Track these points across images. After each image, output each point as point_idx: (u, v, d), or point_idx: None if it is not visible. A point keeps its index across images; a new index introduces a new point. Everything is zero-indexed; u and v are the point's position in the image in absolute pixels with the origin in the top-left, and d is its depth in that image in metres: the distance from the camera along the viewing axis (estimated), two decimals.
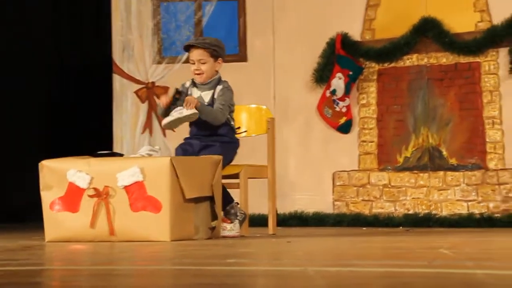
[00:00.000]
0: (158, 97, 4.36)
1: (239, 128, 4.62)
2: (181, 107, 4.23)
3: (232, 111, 4.39)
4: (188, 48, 4.37)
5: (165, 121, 4.26)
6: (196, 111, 4.19)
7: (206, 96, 4.35)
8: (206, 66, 4.32)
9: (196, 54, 4.32)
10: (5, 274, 2.45)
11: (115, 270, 2.63)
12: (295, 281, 2.16)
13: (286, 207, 5.95)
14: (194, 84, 4.40)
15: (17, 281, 2.26)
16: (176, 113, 4.22)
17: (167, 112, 4.29)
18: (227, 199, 4.33)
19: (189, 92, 4.39)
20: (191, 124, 4.39)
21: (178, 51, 6.28)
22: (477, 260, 2.68)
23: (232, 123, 4.41)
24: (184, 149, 4.34)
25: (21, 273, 2.50)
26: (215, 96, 4.32)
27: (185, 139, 4.43)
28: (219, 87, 4.33)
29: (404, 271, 2.37)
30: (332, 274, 2.31)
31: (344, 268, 2.47)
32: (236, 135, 4.50)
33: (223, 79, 4.39)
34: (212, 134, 4.34)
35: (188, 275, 2.38)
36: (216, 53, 4.34)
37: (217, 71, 4.37)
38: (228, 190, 4.43)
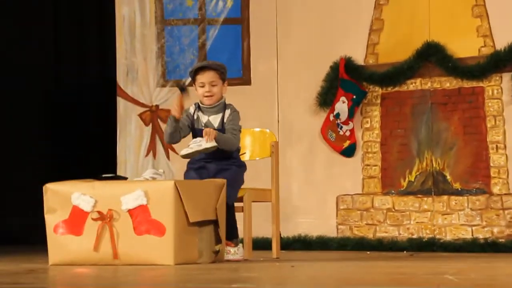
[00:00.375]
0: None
1: (243, 153, 4.63)
2: (200, 138, 4.20)
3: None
4: (196, 71, 4.35)
5: (183, 152, 4.23)
6: (215, 143, 4.18)
7: (215, 120, 4.34)
8: (217, 89, 4.33)
9: (207, 76, 4.31)
10: None
11: None
12: None
13: (289, 231, 5.94)
14: (199, 108, 4.39)
15: None
16: (195, 145, 4.19)
17: (176, 129, 4.26)
18: (233, 232, 4.31)
19: (195, 117, 4.37)
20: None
21: (182, 74, 6.30)
22: (482, 287, 2.66)
23: (240, 145, 4.43)
24: (199, 173, 4.31)
25: None
26: (225, 121, 4.32)
27: (194, 161, 4.37)
28: (227, 111, 4.34)
29: None
30: None
31: None
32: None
33: (227, 102, 4.40)
34: (226, 158, 4.33)
35: None
36: (224, 76, 4.37)
37: (223, 95, 4.38)
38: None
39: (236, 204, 4.50)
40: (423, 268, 3.67)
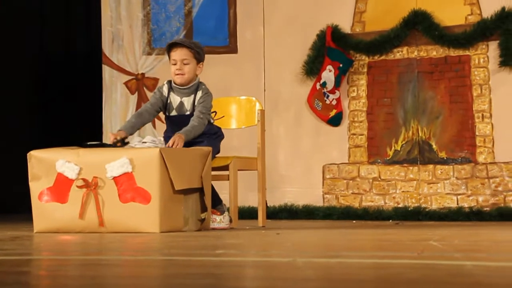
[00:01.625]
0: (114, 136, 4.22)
1: (214, 113, 4.52)
2: (161, 141, 4.15)
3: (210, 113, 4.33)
4: (170, 47, 4.27)
5: (133, 143, 4.17)
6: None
7: (187, 102, 4.27)
8: (189, 68, 4.23)
9: (180, 53, 4.21)
10: None
11: (103, 260, 2.62)
12: (283, 271, 2.16)
13: (275, 200, 5.95)
14: (171, 88, 4.30)
15: (5, 270, 2.24)
16: (150, 144, 4.13)
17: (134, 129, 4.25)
18: (216, 200, 4.30)
19: (168, 100, 4.30)
20: (168, 124, 4.32)
21: (167, 41, 6.25)
22: (465, 252, 2.68)
23: (212, 120, 4.35)
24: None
25: (9, 262, 2.49)
26: (196, 103, 4.26)
27: (170, 134, 4.32)
28: (199, 93, 4.25)
29: (393, 262, 2.37)
30: (321, 265, 2.30)
31: (333, 259, 2.47)
32: (215, 123, 4.42)
33: (201, 80, 4.32)
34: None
35: (176, 265, 2.37)
36: (199, 56, 4.26)
37: (197, 75, 4.30)
38: (218, 181, 4.42)
39: (221, 173, 4.50)
40: (408, 235, 3.69)
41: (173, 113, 4.30)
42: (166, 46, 4.34)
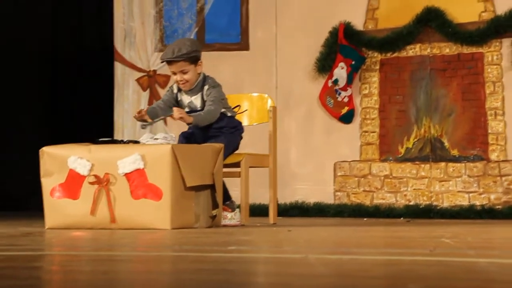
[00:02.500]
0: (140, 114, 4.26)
1: (238, 106, 4.56)
2: (165, 135, 4.16)
3: (225, 103, 4.33)
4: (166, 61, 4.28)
5: (143, 139, 4.17)
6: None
7: (196, 100, 4.29)
8: (189, 75, 4.24)
9: (175, 67, 4.23)
10: (5, 258, 2.45)
11: (115, 255, 2.62)
12: (296, 268, 2.15)
13: (286, 197, 5.94)
14: (179, 89, 4.34)
15: (17, 265, 2.25)
16: (163, 141, 4.13)
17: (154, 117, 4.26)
18: (225, 197, 4.30)
19: (178, 98, 4.34)
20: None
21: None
22: (478, 249, 2.66)
23: (229, 113, 4.37)
24: (187, 138, 4.32)
25: (21, 258, 2.49)
26: (205, 98, 4.27)
27: (189, 127, 4.39)
28: (205, 88, 4.27)
29: (405, 259, 2.36)
30: (333, 262, 2.29)
31: (345, 256, 2.46)
32: (238, 116, 4.46)
33: (207, 75, 4.32)
34: (214, 128, 4.30)
35: (188, 261, 2.37)
36: (195, 57, 4.25)
37: (199, 74, 4.31)
38: (229, 178, 4.42)
39: (233, 170, 4.49)
40: (420, 232, 3.68)
41: (186, 109, 4.32)
42: (161, 61, 4.36)
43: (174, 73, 4.27)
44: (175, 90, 4.37)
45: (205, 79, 4.31)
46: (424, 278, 1.88)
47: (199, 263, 2.30)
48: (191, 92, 4.30)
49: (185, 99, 4.32)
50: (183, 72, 4.25)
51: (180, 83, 4.27)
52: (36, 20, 7.29)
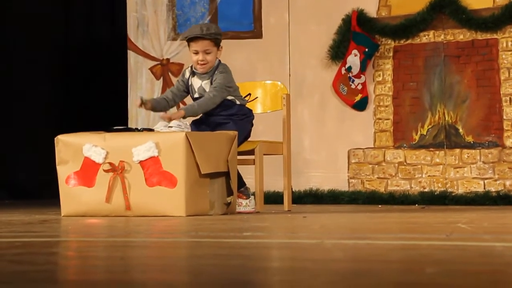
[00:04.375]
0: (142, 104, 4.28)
1: (249, 95, 4.56)
2: (179, 123, 4.16)
3: (233, 91, 4.32)
4: (191, 38, 4.26)
5: (163, 129, 4.17)
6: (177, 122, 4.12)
7: (206, 85, 4.30)
8: (211, 56, 4.24)
9: (201, 45, 4.21)
10: (22, 245, 2.46)
11: (131, 242, 2.63)
12: (313, 253, 2.15)
13: (300, 185, 5.94)
14: (193, 73, 4.34)
15: (35, 251, 2.26)
16: (177, 128, 4.13)
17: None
18: (240, 183, 4.31)
19: (189, 83, 4.34)
20: None
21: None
22: (495, 234, 2.66)
23: (239, 102, 4.36)
24: (197, 127, 4.33)
25: (38, 244, 2.50)
26: (213, 83, 4.28)
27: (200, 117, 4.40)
28: (216, 73, 4.28)
29: (422, 243, 2.36)
30: (350, 247, 2.29)
31: (361, 241, 2.46)
32: (249, 105, 4.46)
33: (222, 62, 4.33)
34: (224, 111, 4.31)
35: (205, 246, 2.38)
36: (219, 41, 4.28)
37: (217, 60, 4.31)
38: (243, 166, 4.42)
39: (247, 157, 4.49)
40: (436, 218, 3.67)
41: (196, 95, 4.33)
42: (185, 37, 4.34)
43: (196, 53, 4.24)
44: (187, 75, 4.36)
45: (218, 65, 4.31)
46: (441, 262, 1.88)
47: (215, 248, 2.31)
48: (203, 76, 4.31)
49: (196, 83, 4.33)
50: (207, 52, 4.24)
51: (201, 63, 4.25)
52: (49, 9, 7.30)
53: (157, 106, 4.32)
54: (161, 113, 4.20)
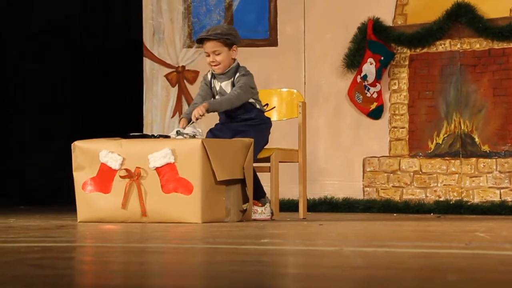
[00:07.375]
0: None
1: (266, 105, 4.59)
2: (194, 130, 4.16)
3: (255, 94, 4.35)
4: (201, 41, 4.32)
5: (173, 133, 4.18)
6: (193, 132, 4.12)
7: (226, 86, 4.32)
8: (222, 56, 4.26)
9: (209, 46, 4.26)
10: (40, 249, 2.47)
11: (149, 247, 2.63)
12: (332, 260, 2.14)
13: (315, 193, 5.93)
14: (213, 75, 4.37)
15: (52, 256, 2.27)
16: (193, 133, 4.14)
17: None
18: (260, 193, 4.30)
19: (212, 85, 4.37)
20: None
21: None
22: None
23: (258, 106, 4.38)
24: (215, 135, 4.33)
25: (56, 249, 2.51)
26: (235, 86, 4.29)
27: (216, 124, 4.41)
28: (237, 75, 4.29)
29: (441, 252, 2.35)
30: (369, 254, 2.29)
31: (380, 249, 2.45)
32: (266, 114, 4.48)
33: (241, 65, 4.34)
34: (242, 120, 4.31)
35: (222, 253, 2.37)
36: (230, 41, 4.27)
37: (234, 59, 4.31)
38: (259, 173, 4.42)
39: (263, 164, 4.49)
40: (453, 227, 3.65)
41: (217, 97, 4.34)
42: (196, 41, 4.39)
43: (208, 55, 4.29)
44: (209, 77, 4.39)
45: (238, 67, 4.32)
46: (462, 270, 1.87)
47: (233, 254, 2.30)
48: (222, 77, 4.32)
49: (217, 85, 4.35)
50: (216, 53, 4.26)
51: (212, 64, 4.28)
52: (65, 16, 7.34)
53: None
54: (194, 111, 4.16)
